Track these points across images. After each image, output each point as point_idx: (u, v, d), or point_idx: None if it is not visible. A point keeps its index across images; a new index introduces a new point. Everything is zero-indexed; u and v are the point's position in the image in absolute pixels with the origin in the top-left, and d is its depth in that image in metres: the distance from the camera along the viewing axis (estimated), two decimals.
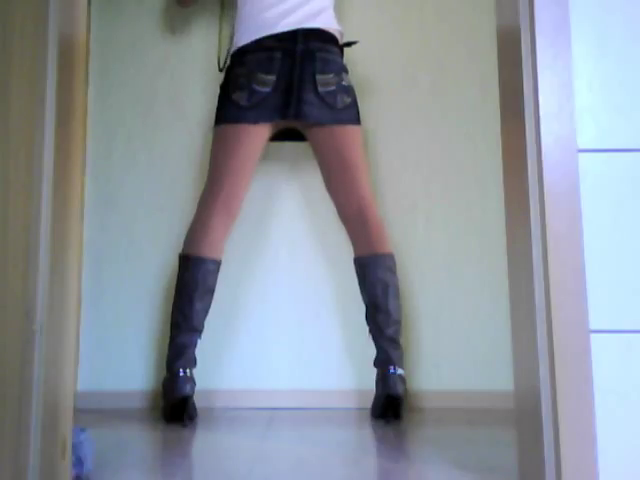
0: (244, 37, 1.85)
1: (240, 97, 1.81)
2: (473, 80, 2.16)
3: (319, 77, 1.82)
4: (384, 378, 1.76)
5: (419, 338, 2.05)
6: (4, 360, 0.90)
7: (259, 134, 1.84)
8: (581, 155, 1.03)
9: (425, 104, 2.16)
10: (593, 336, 0.99)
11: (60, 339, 1.00)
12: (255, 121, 1.81)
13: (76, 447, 1.12)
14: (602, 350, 0.99)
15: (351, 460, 1.33)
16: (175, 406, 1.70)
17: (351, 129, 1.87)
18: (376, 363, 1.81)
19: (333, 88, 1.84)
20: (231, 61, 1.89)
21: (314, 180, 2.11)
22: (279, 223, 2.11)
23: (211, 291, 1.81)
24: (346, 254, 2.09)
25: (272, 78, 1.80)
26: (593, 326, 0.99)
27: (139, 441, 1.55)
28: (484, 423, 1.75)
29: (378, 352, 1.81)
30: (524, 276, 1.07)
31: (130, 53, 2.18)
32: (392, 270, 1.85)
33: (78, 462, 1.13)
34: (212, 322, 2.05)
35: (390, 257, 1.86)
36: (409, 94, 2.16)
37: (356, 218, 1.86)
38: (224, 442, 1.51)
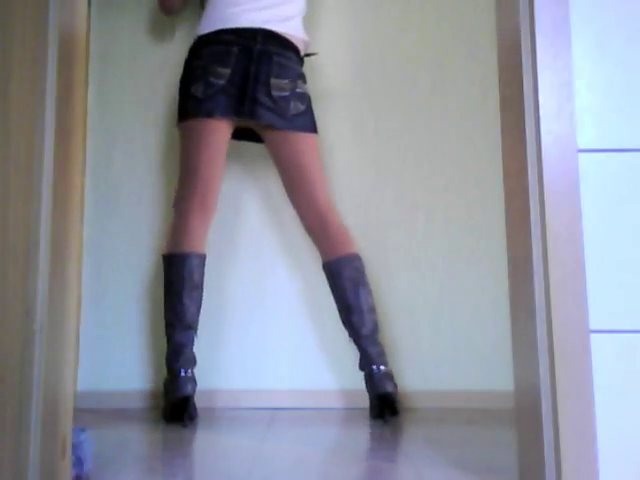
0: (204, 28, 1.86)
1: (196, 89, 1.82)
2: (473, 80, 2.16)
3: (274, 81, 1.82)
4: (370, 379, 1.77)
5: (419, 338, 2.05)
6: (4, 360, 0.90)
7: (221, 129, 1.83)
8: (581, 155, 1.03)
9: (425, 104, 2.16)
10: (593, 336, 0.99)
11: (60, 339, 1.00)
12: (210, 114, 1.80)
13: (76, 447, 1.12)
14: (602, 350, 0.99)
15: (351, 460, 1.33)
16: (176, 406, 1.70)
17: (304, 136, 1.87)
18: (360, 366, 1.82)
19: (287, 94, 1.84)
20: (189, 54, 1.88)
21: None
22: (279, 223, 2.11)
23: (199, 286, 1.82)
24: None
25: (227, 71, 1.79)
26: (593, 326, 0.99)
27: (139, 441, 1.55)
28: (484, 423, 1.75)
29: (360, 354, 1.82)
30: (524, 276, 1.07)
31: (130, 53, 2.18)
32: (360, 270, 1.85)
33: (78, 462, 1.13)
34: (212, 322, 2.06)
35: (355, 257, 1.86)
36: (409, 94, 2.16)
37: (317, 227, 1.87)
38: (224, 442, 1.51)
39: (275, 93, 1.82)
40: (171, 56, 2.17)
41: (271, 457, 1.36)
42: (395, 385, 1.79)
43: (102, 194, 2.12)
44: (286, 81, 1.84)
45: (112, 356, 2.04)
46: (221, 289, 2.08)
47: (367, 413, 1.83)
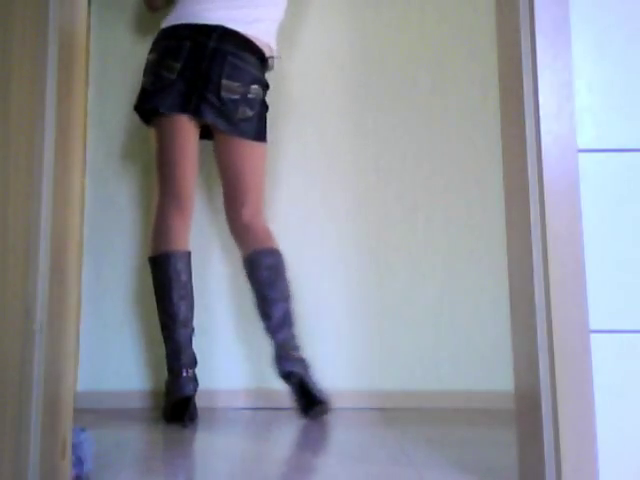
0: (166, 22, 1.84)
1: (146, 82, 1.82)
2: (473, 80, 2.16)
3: (225, 82, 1.77)
4: (278, 361, 1.81)
5: (419, 338, 2.05)
6: (4, 360, 0.90)
7: (183, 125, 1.81)
8: (581, 155, 1.03)
9: (425, 104, 2.16)
10: (593, 336, 0.99)
11: (60, 339, 1.00)
12: (157, 106, 1.78)
13: (76, 447, 1.12)
14: (602, 350, 0.99)
15: (351, 460, 1.33)
16: (176, 406, 1.70)
17: (247, 143, 1.84)
18: (274, 356, 1.83)
19: (237, 97, 1.78)
20: (150, 49, 1.86)
21: (314, 177, 2.12)
22: (280, 222, 2.11)
23: (187, 283, 1.81)
24: (349, 257, 2.09)
25: (178, 65, 1.76)
26: (593, 326, 0.99)
27: (139, 441, 1.55)
28: (484, 423, 1.75)
29: (273, 344, 1.83)
30: (524, 276, 1.07)
31: (130, 53, 2.18)
32: (277, 262, 1.84)
33: (78, 462, 1.13)
34: (212, 322, 2.06)
35: (273, 251, 1.85)
36: (409, 94, 2.16)
37: (240, 232, 1.87)
38: (224, 442, 1.51)
39: (224, 95, 1.77)
40: None
41: (271, 457, 1.36)
42: (305, 368, 1.79)
43: (102, 194, 2.12)
44: (238, 84, 1.78)
45: (112, 356, 2.04)
46: (220, 288, 2.08)
47: (368, 413, 1.83)
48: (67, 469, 1.03)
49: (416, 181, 2.13)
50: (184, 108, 1.77)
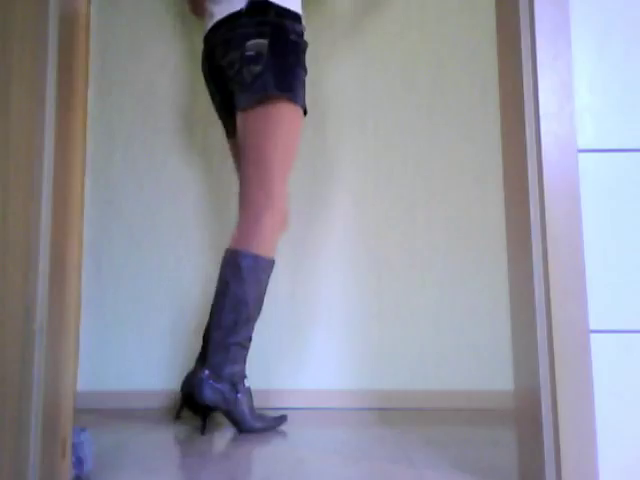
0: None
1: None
2: (473, 80, 2.17)
3: (224, 61, 1.67)
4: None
5: (419, 338, 2.05)
6: (4, 360, 0.90)
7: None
8: (581, 155, 1.03)
9: (425, 104, 2.16)
10: (593, 336, 0.99)
11: (60, 339, 1.00)
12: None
13: (76, 447, 1.12)
14: (602, 350, 0.99)
15: (351, 460, 1.33)
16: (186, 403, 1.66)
17: (274, 101, 1.62)
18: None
19: (237, 65, 1.63)
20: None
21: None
22: None
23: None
24: (349, 257, 2.09)
25: (211, 86, 1.81)
26: (593, 326, 0.99)
27: (139, 441, 1.55)
28: (484, 423, 1.75)
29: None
30: (524, 276, 1.07)
31: (130, 53, 2.18)
32: (234, 268, 1.60)
33: (78, 462, 1.13)
34: None
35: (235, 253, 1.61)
36: (409, 94, 2.17)
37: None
38: (224, 442, 1.51)
39: (230, 73, 1.65)
40: (171, 56, 2.17)
41: (271, 457, 1.36)
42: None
43: (102, 194, 2.12)
44: (233, 52, 1.63)
45: (112, 356, 2.04)
46: None
47: (368, 413, 1.83)
48: (67, 469, 1.03)
49: (416, 181, 2.13)
50: (231, 113, 1.79)
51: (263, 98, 1.60)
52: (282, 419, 1.68)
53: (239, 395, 1.60)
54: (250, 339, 1.65)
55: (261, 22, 1.63)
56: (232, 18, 1.66)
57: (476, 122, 2.15)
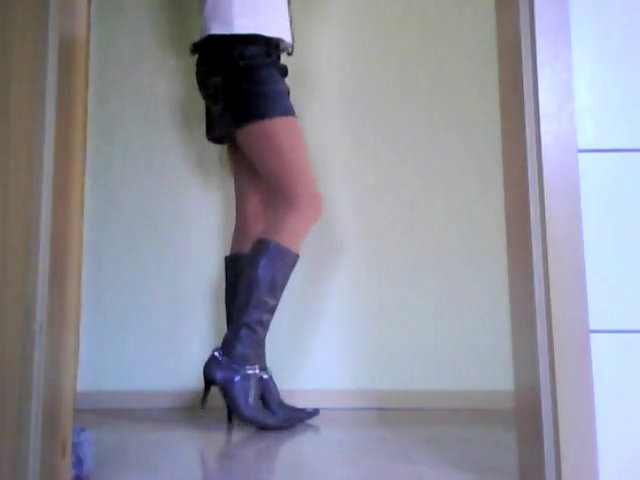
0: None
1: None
2: (473, 80, 2.16)
3: (205, 93, 1.77)
4: None
5: (419, 338, 2.05)
6: (4, 360, 0.90)
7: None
8: (581, 155, 1.03)
9: (425, 104, 2.16)
10: (593, 336, 0.99)
11: (60, 339, 1.00)
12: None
13: (76, 447, 1.12)
14: (602, 350, 0.99)
15: (351, 460, 1.33)
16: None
17: (240, 132, 1.72)
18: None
19: (210, 102, 1.76)
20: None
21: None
22: None
23: None
24: (349, 257, 2.09)
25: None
26: (593, 326, 0.99)
27: (139, 441, 1.55)
28: (484, 423, 1.75)
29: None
30: (524, 276, 1.07)
31: (130, 54, 2.18)
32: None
33: (78, 462, 1.13)
34: (212, 322, 2.06)
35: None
36: (409, 94, 2.16)
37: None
38: (225, 442, 1.51)
39: (210, 103, 1.76)
40: (170, 57, 2.17)
41: (271, 457, 1.36)
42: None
43: (102, 194, 2.12)
44: (202, 90, 1.77)
45: (112, 356, 2.04)
46: (222, 290, 2.08)
47: (368, 413, 1.83)
48: (67, 469, 1.03)
49: (416, 181, 2.13)
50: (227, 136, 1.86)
51: (235, 127, 1.70)
52: (293, 420, 1.67)
53: (237, 378, 1.60)
54: (261, 325, 1.66)
55: (213, 57, 1.71)
56: (204, 47, 1.75)
57: (476, 122, 2.15)
